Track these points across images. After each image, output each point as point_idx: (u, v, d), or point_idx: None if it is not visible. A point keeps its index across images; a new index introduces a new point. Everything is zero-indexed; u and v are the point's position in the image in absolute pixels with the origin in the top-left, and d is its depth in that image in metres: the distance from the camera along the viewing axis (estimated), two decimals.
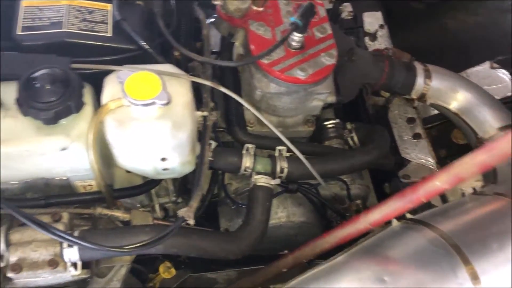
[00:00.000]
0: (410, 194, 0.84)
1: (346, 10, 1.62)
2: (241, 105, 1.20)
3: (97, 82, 0.92)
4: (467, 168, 0.75)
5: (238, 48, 1.21)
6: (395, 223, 0.97)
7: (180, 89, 0.90)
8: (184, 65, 1.12)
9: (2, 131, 0.84)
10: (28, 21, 0.91)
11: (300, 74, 1.08)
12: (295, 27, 1.03)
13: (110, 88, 0.88)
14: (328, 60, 1.12)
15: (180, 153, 0.93)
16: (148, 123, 0.86)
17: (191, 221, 0.87)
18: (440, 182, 0.79)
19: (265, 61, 1.08)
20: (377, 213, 0.89)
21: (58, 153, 0.87)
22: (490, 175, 1.24)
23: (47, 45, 0.90)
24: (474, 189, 1.23)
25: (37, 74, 0.83)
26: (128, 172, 1.02)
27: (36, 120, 0.84)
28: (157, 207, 1.15)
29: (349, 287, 0.86)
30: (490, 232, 0.93)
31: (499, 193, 1.02)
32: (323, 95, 1.17)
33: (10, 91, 0.87)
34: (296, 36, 1.08)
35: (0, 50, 0.89)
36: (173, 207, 1.22)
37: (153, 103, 0.84)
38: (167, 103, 0.84)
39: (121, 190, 1.01)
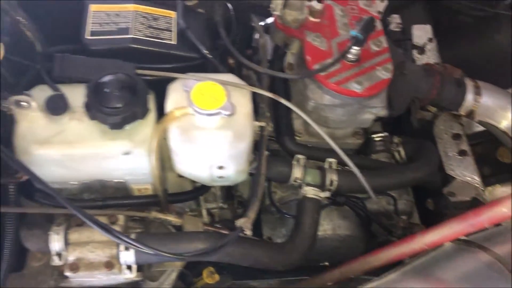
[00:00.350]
0: (473, 218, 0.83)
1: (394, 21, 1.60)
2: (291, 114, 1.21)
3: (156, 87, 0.93)
4: None
5: (289, 57, 1.21)
6: (447, 243, 0.96)
7: (241, 100, 0.91)
8: (237, 72, 1.13)
9: (68, 134, 0.86)
10: (96, 25, 0.93)
11: (356, 87, 1.08)
12: (356, 41, 1.02)
13: (174, 96, 0.90)
14: (384, 74, 1.11)
15: (237, 162, 0.93)
16: (211, 132, 0.87)
17: (249, 232, 0.87)
18: (507, 208, 0.78)
19: (320, 72, 1.08)
20: (435, 234, 0.88)
21: (120, 157, 0.88)
22: None
23: (114, 50, 0.92)
24: None
25: (106, 79, 0.85)
26: (180, 176, 1.03)
27: (101, 124, 0.85)
28: (204, 212, 1.16)
29: None
30: None
31: None
32: (376, 109, 1.16)
33: (76, 93, 0.89)
34: (354, 49, 1.08)
35: (69, 53, 0.91)
36: (219, 213, 1.23)
37: (218, 113, 0.84)
38: (231, 114, 0.85)
39: (175, 195, 1.03)
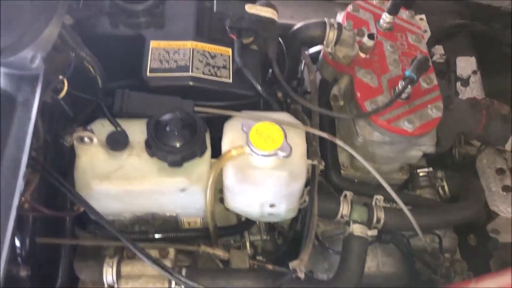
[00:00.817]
0: None
1: (438, 52, 1.59)
2: (337, 147, 1.21)
3: (210, 123, 0.94)
4: None
5: (335, 89, 1.21)
6: None
7: (296, 139, 0.91)
8: (285, 105, 1.14)
9: (127, 169, 0.87)
10: (156, 62, 0.95)
11: (407, 126, 1.07)
12: (410, 81, 1.02)
13: (231, 135, 0.91)
14: (435, 112, 1.11)
15: (289, 201, 0.94)
16: (266, 172, 0.87)
17: (302, 275, 0.87)
18: None
19: (370, 109, 1.08)
20: (490, 282, 0.87)
21: (176, 193, 0.89)
22: None
23: (173, 87, 0.94)
24: None
25: (167, 117, 0.87)
26: (227, 209, 1.03)
27: (160, 161, 0.87)
28: (247, 244, 1.16)
29: None
30: None
31: None
32: (425, 146, 1.16)
33: (135, 129, 0.91)
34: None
35: (129, 88, 0.93)
36: (261, 245, 1.22)
37: (274, 154, 0.85)
38: (288, 156, 0.85)
39: (224, 229, 1.03)
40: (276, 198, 0.92)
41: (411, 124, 1.07)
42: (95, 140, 0.86)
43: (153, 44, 0.97)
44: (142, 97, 0.92)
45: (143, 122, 0.90)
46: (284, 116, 0.95)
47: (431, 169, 1.32)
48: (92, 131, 0.86)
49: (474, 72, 1.59)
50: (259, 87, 0.95)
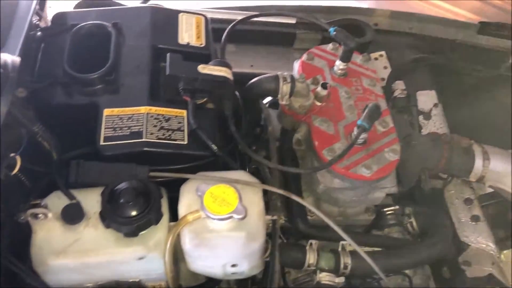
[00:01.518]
0: None
1: (399, 88, 1.63)
2: (302, 194, 1.22)
3: (169, 187, 0.95)
4: None
5: (297, 135, 1.23)
6: None
7: (253, 198, 0.92)
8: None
9: (83, 242, 0.87)
10: (110, 130, 0.96)
11: (365, 172, 1.09)
12: (362, 130, 1.04)
13: (187, 198, 0.91)
14: (392, 156, 1.13)
15: (250, 260, 0.94)
16: (223, 235, 0.88)
17: None
18: None
19: (329, 157, 1.10)
20: None
21: (135, 261, 0.89)
22: None
23: (127, 154, 0.94)
24: None
25: (120, 187, 0.87)
26: None
27: (115, 231, 0.87)
28: None
29: None
30: None
31: None
32: (387, 188, 1.17)
33: (91, 199, 0.91)
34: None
35: (84, 158, 0.93)
36: None
37: (230, 217, 0.86)
38: (243, 217, 0.86)
39: None
40: (237, 259, 0.92)
41: (368, 170, 1.09)
42: (50, 215, 0.87)
43: (106, 112, 0.98)
44: (97, 166, 0.93)
45: (99, 191, 0.90)
46: (241, 175, 0.96)
47: (397, 207, 1.33)
48: (46, 206, 0.86)
49: (435, 105, 1.63)
50: (214, 148, 0.96)
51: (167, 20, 1.17)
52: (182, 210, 0.90)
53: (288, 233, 1.20)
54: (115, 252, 0.87)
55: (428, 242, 1.20)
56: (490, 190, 1.49)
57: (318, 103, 1.18)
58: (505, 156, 1.41)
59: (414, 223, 1.33)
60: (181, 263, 1.04)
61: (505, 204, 1.51)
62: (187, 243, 0.89)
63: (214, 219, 0.86)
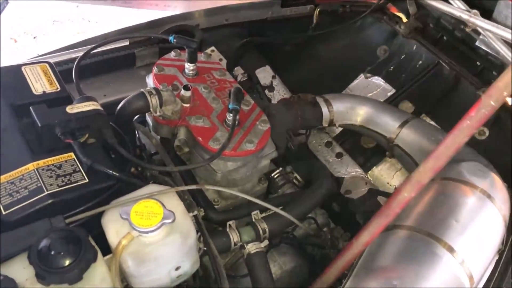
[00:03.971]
0: (387, 210, 1.03)
1: (239, 73, 1.82)
2: (201, 190, 1.31)
3: (86, 227, 0.97)
4: (424, 174, 0.97)
5: (176, 142, 1.32)
6: None
7: (172, 202, 1.00)
8: (142, 176, 1.21)
9: None
10: (7, 198, 0.93)
11: (249, 146, 1.24)
12: (236, 112, 1.18)
13: (112, 227, 0.94)
14: (264, 126, 1.30)
15: (190, 257, 1.01)
16: (161, 243, 0.94)
17: None
18: (407, 192, 1.00)
19: (216, 147, 1.21)
20: (366, 234, 1.07)
21: None
22: None
23: (36, 211, 0.93)
24: None
25: (45, 243, 0.86)
26: None
27: (59, 284, 0.86)
28: None
29: None
30: (444, 212, 1.16)
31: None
32: (270, 154, 1.34)
33: (16, 268, 0.88)
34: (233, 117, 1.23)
35: None
36: None
37: (162, 225, 0.92)
38: (174, 220, 0.93)
39: None
40: (179, 260, 0.99)
41: (251, 144, 1.24)
42: None
43: None
44: (9, 236, 0.90)
45: (22, 257, 0.88)
46: (152, 188, 1.02)
47: (280, 168, 1.52)
48: None
49: (274, 77, 1.86)
50: (117, 174, 1.00)
51: (12, 77, 1.15)
52: (112, 239, 0.93)
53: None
54: None
55: (317, 184, 1.40)
56: (340, 129, 1.78)
57: (186, 105, 1.28)
58: (341, 97, 1.70)
59: (298, 177, 1.53)
60: None
61: (354, 136, 1.79)
62: (131, 266, 0.92)
63: (148, 232, 0.91)
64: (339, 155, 1.71)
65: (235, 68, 1.82)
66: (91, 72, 1.53)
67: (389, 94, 1.91)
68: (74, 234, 0.89)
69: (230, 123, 1.24)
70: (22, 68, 1.18)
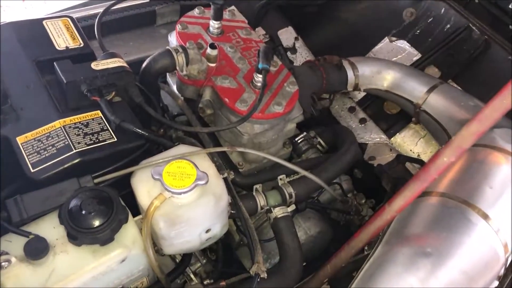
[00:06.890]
0: (424, 174, 0.99)
1: (261, 33, 1.76)
2: (225, 152, 1.28)
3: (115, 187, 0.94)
4: (466, 139, 0.93)
5: (200, 103, 1.28)
6: None
7: (204, 163, 0.96)
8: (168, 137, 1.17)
9: (59, 271, 0.83)
10: (35, 156, 0.90)
11: (278, 108, 1.19)
12: (266, 71, 1.13)
13: (143, 187, 0.92)
14: (292, 88, 1.25)
15: (222, 220, 0.99)
16: (194, 205, 0.91)
17: (264, 275, 0.94)
18: (447, 157, 0.95)
19: (243, 108, 1.17)
20: (400, 199, 1.04)
21: (117, 266, 0.88)
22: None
23: (64, 170, 0.90)
24: None
25: (76, 202, 0.84)
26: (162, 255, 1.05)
27: (90, 245, 0.84)
28: (192, 276, 1.18)
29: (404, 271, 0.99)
30: (478, 178, 1.13)
31: None
32: (296, 118, 1.30)
33: (47, 227, 0.87)
34: (260, 78, 1.18)
35: (18, 191, 0.87)
36: (201, 269, 1.25)
37: (195, 186, 0.89)
38: (207, 182, 0.90)
39: (171, 274, 1.04)
40: (211, 222, 0.96)
41: (280, 106, 1.20)
42: (13, 259, 0.80)
43: (20, 140, 0.91)
44: (37, 195, 0.87)
45: (52, 217, 0.86)
46: (182, 149, 0.98)
47: (305, 133, 1.48)
48: (6, 253, 0.80)
49: (296, 39, 1.79)
50: (146, 134, 0.97)
51: (33, 32, 1.10)
52: (143, 200, 0.91)
53: None
54: (98, 264, 0.85)
55: (344, 149, 1.36)
56: (363, 94, 1.73)
57: (212, 64, 1.23)
58: (368, 61, 1.64)
59: (322, 142, 1.49)
60: None
61: (378, 101, 1.74)
62: (163, 228, 0.90)
63: (181, 193, 0.88)
64: (362, 121, 1.67)
65: (256, 29, 1.75)
66: (110, 29, 1.48)
67: (415, 58, 1.84)
68: (105, 194, 0.87)
69: (258, 84, 1.19)
70: (44, 22, 1.13)
